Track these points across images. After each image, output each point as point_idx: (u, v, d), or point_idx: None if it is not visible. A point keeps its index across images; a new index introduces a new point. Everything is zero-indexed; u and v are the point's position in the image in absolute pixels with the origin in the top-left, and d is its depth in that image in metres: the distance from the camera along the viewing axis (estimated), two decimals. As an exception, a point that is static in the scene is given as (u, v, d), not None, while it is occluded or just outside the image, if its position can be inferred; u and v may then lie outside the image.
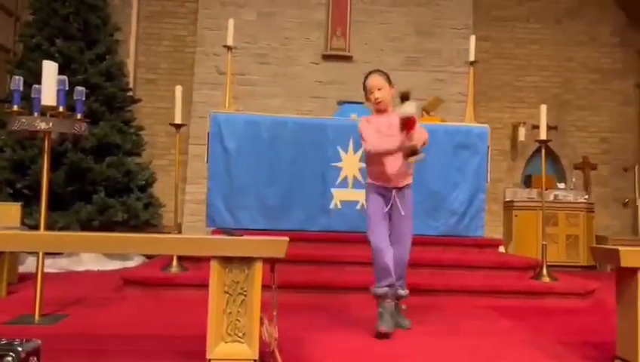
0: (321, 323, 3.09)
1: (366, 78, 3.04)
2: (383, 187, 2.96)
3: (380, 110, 3.00)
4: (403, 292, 2.98)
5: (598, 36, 8.13)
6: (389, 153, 2.85)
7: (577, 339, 2.90)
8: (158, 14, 7.53)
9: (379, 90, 2.97)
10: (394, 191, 2.93)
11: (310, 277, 3.90)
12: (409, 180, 2.99)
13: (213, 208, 4.70)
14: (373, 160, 2.96)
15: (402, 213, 2.92)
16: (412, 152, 2.71)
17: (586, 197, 7.41)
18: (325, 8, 7.41)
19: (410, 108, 2.67)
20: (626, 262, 2.26)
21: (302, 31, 7.43)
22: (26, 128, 2.94)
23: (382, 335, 2.76)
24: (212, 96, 7.05)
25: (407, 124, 2.67)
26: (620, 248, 2.28)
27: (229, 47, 4.86)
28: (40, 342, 1.89)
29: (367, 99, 3.06)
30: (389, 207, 2.93)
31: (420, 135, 2.76)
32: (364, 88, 3.05)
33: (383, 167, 2.92)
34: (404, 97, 2.73)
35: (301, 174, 4.74)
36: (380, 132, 2.92)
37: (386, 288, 2.87)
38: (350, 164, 4.80)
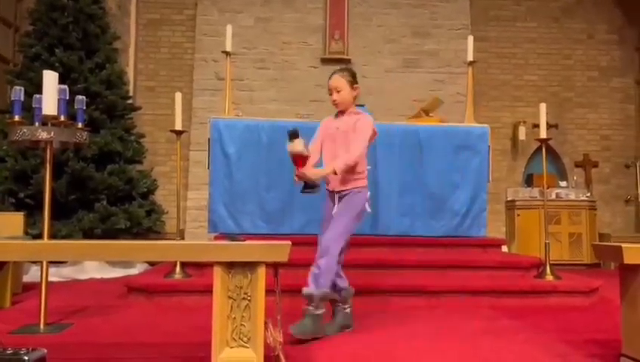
0: (326, 326, 3.09)
1: (329, 77, 3.01)
2: (328, 190, 2.98)
3: (339, 111, 3.01)
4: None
5: (596, 34, 8.16)
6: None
7: (582, 337, 2.90)
8: (157, 22, 7.56)
9: (337, 92, 2.95)
10: (336, 196, 2.93)
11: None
12: (353, 185, 2.92)
13: (215, 214, 4.70)
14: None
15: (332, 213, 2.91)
16: (310, 185, 2.78)
17: (588, 194, 7.40)
18: (322, 12, 7.44)
19: (298, 146, 2.69)
20: (629, 259, 2.26)
21: (299, 35, 7.46)
22: (27, 138, 2.95)
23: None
24: (212, 102, 7.08)
25: (295, 162, 2.73)
26: (623, 245, 2.28)
27: (227, 53, 4.87)
28: (45, 351, 1.90)
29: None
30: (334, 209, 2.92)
31: (316, 172, 2.79)
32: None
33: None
34: (293, 135, 2.69)
35: (302, 178, 4.74)
36: (330, 135, 2.98)
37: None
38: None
